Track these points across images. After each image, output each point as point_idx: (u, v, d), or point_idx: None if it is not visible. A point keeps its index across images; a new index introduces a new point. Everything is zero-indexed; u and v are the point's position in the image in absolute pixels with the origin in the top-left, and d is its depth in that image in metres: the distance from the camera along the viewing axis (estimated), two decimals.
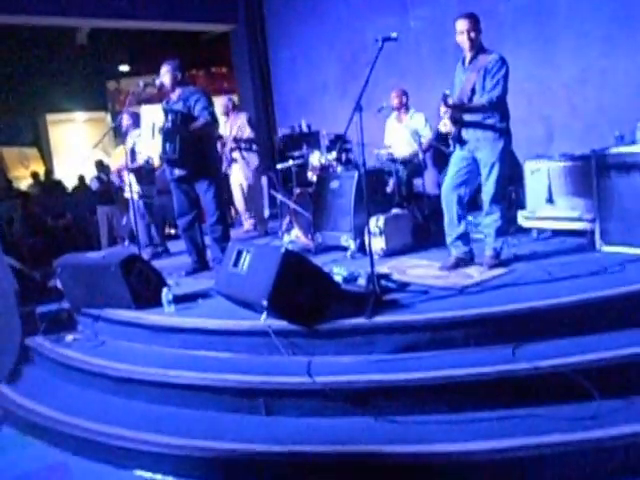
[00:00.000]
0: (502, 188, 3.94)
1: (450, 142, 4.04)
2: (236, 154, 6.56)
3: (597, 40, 5.13)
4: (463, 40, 3.83)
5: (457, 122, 3.90)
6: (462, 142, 3.95)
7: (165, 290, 3.85)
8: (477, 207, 4.46)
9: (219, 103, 6.67)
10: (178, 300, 3.90)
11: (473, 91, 3.84)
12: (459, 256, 4.06)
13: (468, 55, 3.91)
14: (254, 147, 6.52)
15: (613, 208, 4.04)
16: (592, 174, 4.14)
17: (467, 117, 3.90)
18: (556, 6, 5.39)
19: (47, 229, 9.10)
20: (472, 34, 3.79)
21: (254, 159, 6.53)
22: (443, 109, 3.82)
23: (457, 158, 4.02)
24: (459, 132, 3.93)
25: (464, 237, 4.09)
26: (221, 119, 6.68)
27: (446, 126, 3.91)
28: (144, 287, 3.97)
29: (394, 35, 3.52)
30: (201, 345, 3.52)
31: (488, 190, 3.91)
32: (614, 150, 4.05)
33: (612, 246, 4.05)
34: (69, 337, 4.13)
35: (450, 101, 3.81)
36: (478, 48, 3.86)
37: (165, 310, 3.81)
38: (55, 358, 3.92)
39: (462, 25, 3.80)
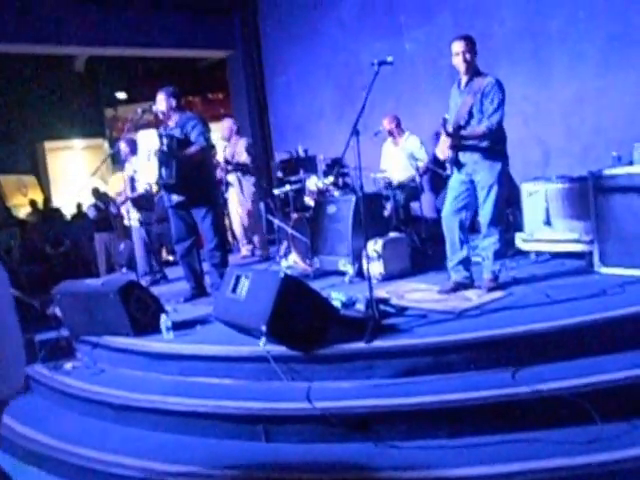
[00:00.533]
0: (500, 211, 3.95)
1: (447, 165, 4.06)
2: (232, 177, 6.58)
3: (592, 61, 5.19)
4: (459, 62, 3.87)
5: (454, 146, 3.92)
6: (459, 165, 3.97)
7: (164, 317, 3.84)
8: (475, 230, 4.47)
9: (224, 126, 6.74)
10: (177, 327, 3.89)
11: (470, 114, 3.87)
12: (459, 281, 4.05)
13: (464, 78, 3.94)
14: (249, 172, 6.55)
15: (611, 230, 4.05)
16: (589, 196, 4.15)
17: (465, 141, 3.92)
18: (549, 28, 5.47)
19: (45, 257, 9.10)
20: (467, 56, 3.82)
21: (250, 184, 6.55)
22: (444, 137, 3.84)
23: (455, 182, 4.03)
24: (456, 155, 3.95)
25: (466, 262, 4.08)
26: (221, 143, 6.74)
27: (443, 153, 3.94)
28: (143, 314, 3.97)
29: (390, 59, 3.56)
30: (200, 372, 3.50)
31: (486, 213, 3.92)
32: (611, 171, 4.06)
33: (611, 268, 4.05)
34: (68, 365, 4.12)
35: (449, 127, 3.84)
36: (474, 71, 3.90)
37: (164, 337, 3.80)
38: (54, 386, 3.90)
39: (458, 47, 3.84)
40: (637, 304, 3.24)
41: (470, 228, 4.49)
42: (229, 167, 6.50)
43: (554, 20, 5.39)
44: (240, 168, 6.50)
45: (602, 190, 4.07)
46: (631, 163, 4.04)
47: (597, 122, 5.17)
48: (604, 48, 5.07)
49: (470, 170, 3.93)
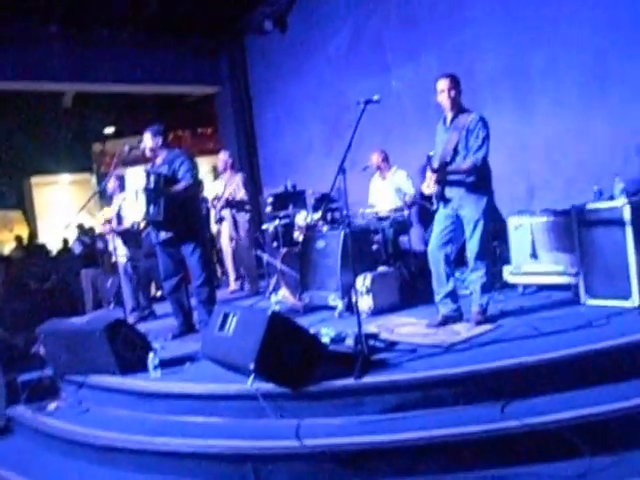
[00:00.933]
0: (486, 245, 3.99)
1: (434, 200, 4.11)
2: (226, 212, 6.60)
3: (572, 99, 5.32)
4: (443, 99, 3.96)
5: (440, 181, 3.98)
6: (445, 200, 4.02)
7: (151, 355, 3.80)
8: (463, 263, 4.51)
9: (219, 158, 6.78)
10: (164, 364, 3.84)
11: (455, 150, 3.94)
12: (447, 314, 4.07)
13: (449, 115, 4.03)
14: (247, 208, 6.58)
15: (595, 262, 4.11)
16: (573, 229, 4.23)
17: (450, 176, 3.98)
18: (530, 67, 5.62)
19: (30, 293, 8.99)
20: (452, 93, 3.92)
21: (245, 220, 6.57)
22: (429, 178, 3.91)
23: (441, 216, 4.08)
24: (442, 190, 4.01)
25: (452, 295, 4.10)
26: (209, 177, 6.77)
27: (429, 188, 3.99)
28: (129, 352, 3.91)
29: (376, 97, 3.65)
30: (188, 410, 3.44)
31: (473, 247, 3.96)
32: (593, 205, 4.14)
33: (597, 299, 4.10)
34: (52, 405, 4.02)
35: (435, 164, 3.91)
36: (459, 108, 3.98)
37: (151, 375, 3.74)
38: (37, 427, 3.82)
39: (442, 84, 3.94)
40: (621, 335, 3.28)
41: (458, 261, 4.54)
42: (232, 205, 6.49)
43: (535, 59, 5.55)
44: (238, 204, 6.51)
45: (585, 223, 4.15)
46: (612, 197, 4.12)
47: (578, 157, 5.28)
48: (583, 86, 5.22)
49: (456, 205, 3.99)
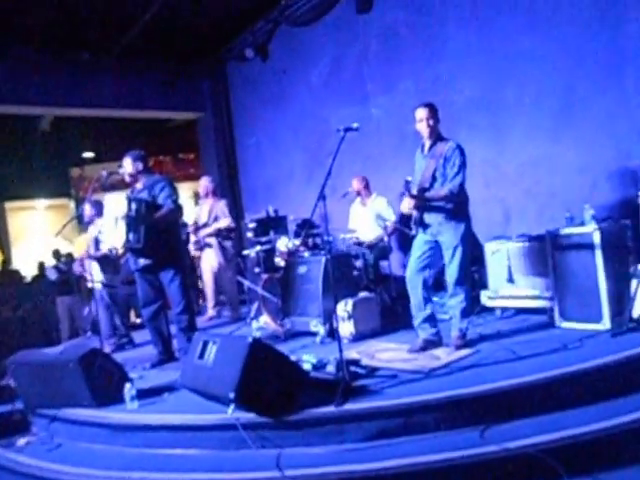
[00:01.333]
0: (465, 270, 4.05)
1: (412, 226, 4.17)
2: (211, 239, 6.58)
3: (544, 128, 5.47)
4: (422, 127, 4.05)
5: (419, 208, 4.05)
6: (424, 226, 4.09)
7: (128, 385, 3.72)
8: (442, 288, 4.55)
9: (200, 184, 6.78)
10: (142, 395, 3.77)
11: (433, 177, 4.02)
12: (427, 338, 4.10)
13: (427, 142, 4.12)
14: (232, 235, 6.57)
15: (569, 286, 4.21)
16: (547, 254, 4.33)
17: (429, 202, 4.05)
18: (504, 97, 5.77)
19: (2, 321, 8.79)
20: (430, 122, 4.02)
21: (229, 246, 6.56)
22: (407, 200, 3.97)
23: (420, 242, 4.14)
24: (421, 216, 4.08)
25: (431, 319, 4.14)
26: (190, 202, 6.76)
27: (407, 207, 4.03)
28: (105, 383, 3.81)
29: (355, 125, 3.72)
30: (166, 443, 3.37)
31: (452, 273, 4.01)
32: (566, 231, 4.25)
33: (571, 322, 4.20)
34: (21, 441, 3.86)
35: (414, 190, 3.98)
36: (436, 136, 4.08)
37: (127, 407, 3.67)
38: (4, 464, 3.65)
39: (421, 113, 4.04)
40: (595, 358, 3.35)
41: (437, 286, 4.58)
42: (219, 233, 6.48)
43: (508, 91, 5.70)
44: (226, 232, 6.50)
45: (559, 248, 4.26)
46: (582, 223, 4.23)
47: (551, 184, 5.41)
48: (554, 116, 5.37)
49: (435, 231, 4.05)
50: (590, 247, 4.04)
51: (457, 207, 3.99)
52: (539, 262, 4.54)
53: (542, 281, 4.53)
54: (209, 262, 6.65)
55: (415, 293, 4.11)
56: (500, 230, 5.38)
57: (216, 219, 6.55)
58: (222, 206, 6.61)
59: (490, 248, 4.91)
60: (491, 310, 4.95)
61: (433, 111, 4.04)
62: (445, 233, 4.01)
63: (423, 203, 4.02)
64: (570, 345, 3.70)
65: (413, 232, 4.20)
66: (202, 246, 6.63)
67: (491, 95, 5.85)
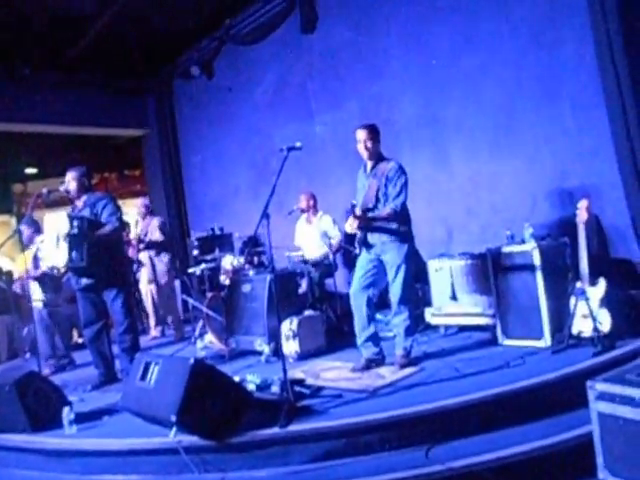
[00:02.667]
0: (409, 289, 4.10)
1: (356, 245, 4.20)
2: (143, 256, 6.48)
3: (483, 147, 5.63)
4: (361, 149, 4.10)
5: (362, 228, 4.08)
6: (368, 246, 4.12)
7: (66, 409, 3.59)
8: (387, 306, 4.60)
9: (137, 204, 6.67)
10: (81, 419, 3.64)
11: (377, 198, 4.07)
12: (369, 357, 4.12)
13: (369, 163, 4.17)
14: (162, 252, 6.47)
15: (510, 303, 4.32)
16: (489, 271, 4.44)
17: (373, 222, 4.08)
18: (445, 116, 5.92)
19: None
20: (368, 143, 4.06)
21: (162, 264, 6.46)
22: (351, 220, 4.00)
23: (363, 260, 4.17)
24: (365, 236, 4.11)
25: (374, 338, 4.17)
26: (133, 221, 6.64)
27: (351, 226, 4.07)
28: (42, 407, 3.68)
29: (298, 145, 3.76)
30: (105, 469, 3.27)
31: (395, 291, 4.06)
32: (506, 249, 4.37)
33: (512, 340, 4.29)
34: None
35: (357, 211, 4.03)
36: (378, 156, 4.14)
37: (66, 431, 3.54)
38: None
39: (360, 135, 4.09)
40: (536, 375, 3.42)
41: (381, 304, 4.63)
42: (141, 245, 6.41)
43: (448, 110, 5.86)
44: (153, 246, 6.42)
45: (500, 266, 4.38)
46: (522, 241, 4.35)
47: (492, 202, 5.56)
48: (493, 136, 5.54)
49: (379, 250, 4.09)
50: (530, 265, 4.16)
51: (400, 227, 4.04)
52: (481, 280, 4.65)
53: (484, 299, 4.63)
54: (145, 280, 6.54)
55: (359, 312, 4.13)
56: (443, 248, 5.48)
57: (146, 235, 6.47)
58: (154, 222, 6.57)
59: (433, 266, 5.00)
60: (435, 328, 5.03)
61: (372, 133, 4.09)
62: (389, 252, 4.05)
63: (367, 223, 4.06)
64: (512, 362, 3.77)
65: (357, 251, 4.24)
66: (137, 265, 6.51)
67: (432, 113, 6.00)
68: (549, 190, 5.17)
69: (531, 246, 4.19)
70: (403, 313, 4.07)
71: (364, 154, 4.12)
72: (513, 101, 5.37)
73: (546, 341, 4.08)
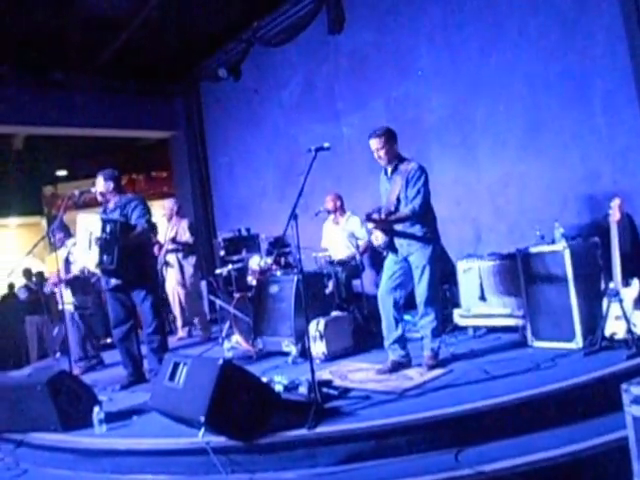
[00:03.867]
0: (435, 290, 4.07)
1: (382, 250, 4.18)
2: (171, 257, 6.53)
3: (513, 147, 5.57)
4: (378, 157, 4.10)
5: (387, 231, 4.07)
6: (394, 249, 4.11)
7: (96, 409, 3.63)
8: (414, 307, 4.56)
9: (165, 207, 6.73)
10: (111, 418, 3.69)
11: (398, 200, 4.05)
12: (396, 360, 4.10)
13: (389, 167, 4.15)
14: (190, 253, 6.52)
15: (540, 304, 4.24)
16: (518, 272, 4.36)
17: (396, 226, 4.07)
18: (474, 117, 5.87)
19: None
20: (381, 152, 4.05)
21: (190, 265, 6.51)
22: (370, 225, 4.00)
23: (390, 262, 4.15)
24: (391, 240, 4.09)
25: (401, 341, 4.15)
26: (163, 222, 6.71)
27: (377, 240, 4.07)
28: (73, 407, 3.73)
29: (326, 145, 3.74)
30: (135, 468, 3.29)
31: (421, 292, 4.03)
32: (536, 249, 4.29)
33: (543, 341, 4.21)
34: None
35: (375, 216, 4.00)
36: (397, 159, 4.12)
37: (96, 431, 3.58)
38: None
39: (372, 145, 4.08)
40: (569, 378, 3.35)
41: (409, 305, 4.59)
42: (171, 246, 6.47)
43: (477, 110, 5.80)
44: (182, 248, 6.47)
45: (529, 266, 4.30)
46: (553, 241, 4.27)
47: (521, 202, 5.49)
48: (522, 136, 5.47)
49: (405, 252, 4.07)
50: (561, 266, 4.08)
51: (424, 228, 4.02)
52: (511, 280, 4.58)
53: (514, 299, 4.57)
54: (172, 281, 6.60)
55: (386, 314, 4.12)
56: (471, 248, 5.43)
57: (175, 236, 6.52)
58: (183, 224, 6.61)
59: (462, 266, 4.94)
60: (464, 329, 4.97)
61: (385, 139, 4.05)
62: (414, 253, 4.03)
63: (386, 226, 4.04)
64: (543, 364, 3.71)
65: (384, 254, 4.21)
66: (163, 265, 6.56)
67: (461, 114, 5.94)
68: (579, 190, 5.09)
69: (562, 246, 4.11)
70: (430, 315, 4.04)
71: (381, 162, 4.12)
72: (542, 100, 5.29)
73: (578, 343, 4.00)
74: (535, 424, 3.12)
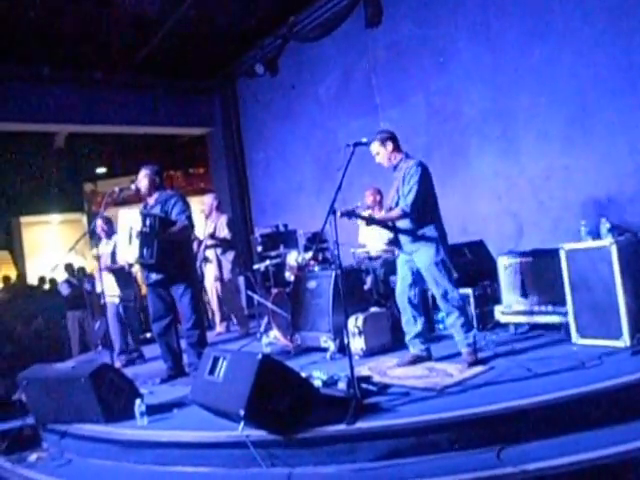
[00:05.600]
0: (448, 285, 4.01)
1: (389, 245, 4.21)
2: (210, 253, 6.59)
3: (557, 139, 5.43)
4: (379, 161, 4.13)
5: (390, 228, 4.10)
6: (400, 247, 4.13)
7: (138, 401, 3.69)
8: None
9: (205, 202, 6.80)
10: (152, 411, 3.74)
11: (399, 197, 4.06)
12: (417, 354, 4.15)
13: (392, 166, 4.16)
14: (228, 249, 6.56)
15: (585, 301, 4.11)
16: (562, 268, 4.24)
17: (398, 223, 4.08)
18: (515, 109, 5.74)
19: (16, 336, 8.83)
20: (377, 158, 4.12)
21: (228, 261, 6.55)
22: (360, 222, 4.08)
23: (401, 262, 4.20)
24: (396, 236, 4.11)
25: (421, 335, 4.18)
26: (201, 219, 6.78)
27: (376, 251, 4.07)
28: (116, 399, 3.80)
29: (364, 140, 3.75)
30: (176, 460, 3.34)
31: (435, 290, 4.03)
32: (581, 245, 4.17)
33: (588, 339, 4.09)
34: (32, 456, 3.86)
35: (364, 213, 4.01)
36: (398, 158, 4.12)
37: (138, 423, 3.63)
38: None
39: (373, 149, 4.11)
40: (615, 377, 3.25)
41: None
42: (210, 242, 6.52)
43: (519, 102, 5.68)
44: (221, 244, 6.52)
45: (574, 262, 4.17)
46: (599, 236, 4.15)
47: (565, 197, 5.36)
48: (565, 129, 5.34)
49: (409, 249, 4.08)
50: (607, 261, 3.94)
51: (425, 228, 4.00)
52: (554, 277, 4.45)
53: (558, 296, 4.43)
54: (211, 277, 6.65)
55: (405, 312, 4.18)
56: (512, 244, 5.32)
57: (214, 232, 6.57)
58: (222, 220, 6.65)
59: (503, 262, 4.83)
60: (505, 326, 4.87)
61: (382, 142, 4.08)
62: (418, 251, 4.02)
63: (375, 224, 4.12)
64: (589, 363, 3.60)
65: (396, 253, 4.24)
66: (202, 261, 6.63)
67: (502, 106, 5.83)
68: (627, 184, 4.92)
69: (608, 242, 3.97)
70: (454, 311, 4.00)
71: (383, 164, 4.15)
72: (588, 91, 5.14)
73: (625, 341, 3.86)
74: (580, 424, 3.04)
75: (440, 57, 6.40)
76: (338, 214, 3.67)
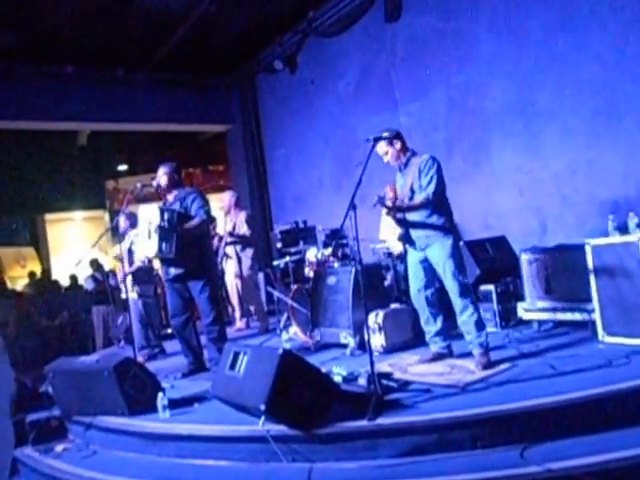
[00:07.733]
0: (463, 280, 3.96)
1: (399, 242, 4.13)
2: (230, 250, 6.61)
3: (581, 133, 5.33)
4: (388, 160, 4.09)
5: (402, 223, 4.03)
6: (412, 242, 4.06)
7: (160, 395, 3.72)
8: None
9: (224, 199, 6.83)
10: (174, 405, 3.77)
11: (412, 191, 4.00)
12: (438, 351, 4.12)
13: (401, 164, 4.11)
14: (248, 246, 6.58)
15: (612, 298, 4.02)
16: (588, 264, 4.15)
17: (411, 217, 4.01)
18: (538, 102, 5.65)
19: (41, 330, 8.99)
20: (385, 158, 4.08)
21: (247, 257, 6.57)
22: (384, 211, 3.96)
23: (412, 261, 4.14)
24: (407, 232, 4.05)
25: (441, 333, 4.14)
26: (220, 215, 6.80)
27: (392, 234, 4.01)
28: (138, 392, 3.84)
29: (385, 135, 3.69)
30: (197, 453, 3.36)
31: (450, 287, 3.95)
32: (608, 240, 4.08)
33: (614, 337, 3.99)
34: (59, 447, 3.95)
35: (389, 203, 3.95)
36: (407, 155, 4.08)
37: (160, 416, 3.67)
38: (42, 470, 3.72)
39: (381, 149, 4.06)
40: None
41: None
42: (230, 239, 6.55)
43: (542, 95, 5.58)
44: (240, 240, 6.53)
45: (600, 258, 4.08)
46: (626, 231, 4.05)
47: (590, 191, 5.26)
48: (591, 121, 5.23)
49: (423, 245, 4.01)
50: (635, 257, 3.85)
51: (442, 217, 3.95)
52: (579, 273, 4.36)
53: (582, 293, 4.35)
54: (231, 273, 6.67)
55: (423, 311, 4.14)
56: (536, 240, 5.24)
57: (234, 229, 6.59)
58: (241, 216, 6.66)
59: (526, 258, 4.75)
60: (528, 323, 4.80)
61: (390, 142, 4.03)
62: (432, 246, 3.96)
63: (402, 214, 4.01)
64: (615, 361, 3.52)
65: (401, 250, 4.16)
66: (222, 257, 6.65)
67: (524, 100, 5.75)
68: None
69: (637, 237, 3.88)
70: (468, 308, 3.92)
71: (391, 163, 4.12)
72: (614, 82, 5.03)
73: None
74: (607, 423, 2.97)
75: (459, 51, 6.32)
76: (375, 198, 3.67)
